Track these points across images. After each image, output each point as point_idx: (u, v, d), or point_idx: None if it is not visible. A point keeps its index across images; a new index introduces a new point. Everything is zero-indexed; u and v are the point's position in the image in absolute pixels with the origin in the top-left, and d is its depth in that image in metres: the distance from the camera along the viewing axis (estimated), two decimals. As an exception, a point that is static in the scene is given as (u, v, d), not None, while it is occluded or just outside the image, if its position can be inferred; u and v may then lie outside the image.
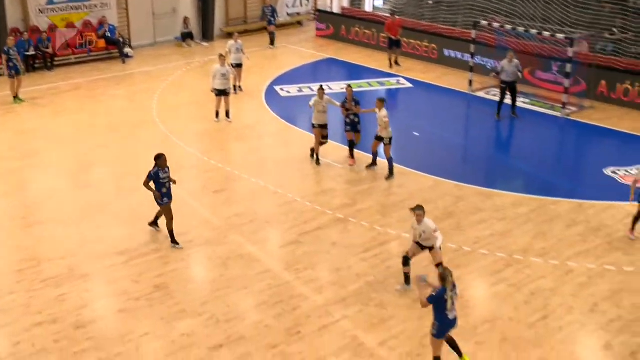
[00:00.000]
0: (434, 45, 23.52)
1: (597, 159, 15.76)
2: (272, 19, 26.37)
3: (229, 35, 27.17)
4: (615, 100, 19.22)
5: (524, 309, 10.22)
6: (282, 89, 21.06)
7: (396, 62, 23.00)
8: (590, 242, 12.07)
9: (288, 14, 29.53)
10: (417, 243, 10.57)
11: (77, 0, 24.21)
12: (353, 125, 15.27)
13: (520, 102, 19.23)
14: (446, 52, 23.14)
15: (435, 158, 15.69)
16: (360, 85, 21.19)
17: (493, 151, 16.82)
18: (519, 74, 18.06)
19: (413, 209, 10.31)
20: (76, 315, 10.15)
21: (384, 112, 14.34)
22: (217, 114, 18.06)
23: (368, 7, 29.26)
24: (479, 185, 14.27)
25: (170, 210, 11.85)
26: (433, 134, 17.15)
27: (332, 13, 28.65)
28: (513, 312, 10.17)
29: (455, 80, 21.62)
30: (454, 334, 8.90)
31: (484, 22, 20.45)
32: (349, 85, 15.45)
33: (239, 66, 20.19)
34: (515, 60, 17.94)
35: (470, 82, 20.44)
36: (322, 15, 27.94)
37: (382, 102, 14.32)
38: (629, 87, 19.01)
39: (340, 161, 15.62)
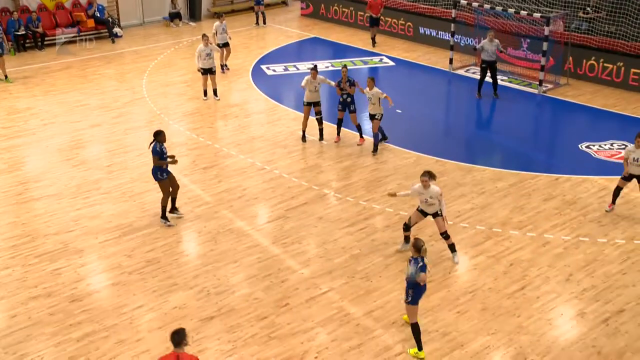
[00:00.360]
0: (409, 24, 23.35)
1: (572, 134, 15.79)
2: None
3: (216, 15, 26.86)
4: (588, 77, 19.25)
5: (503, 280, 10.28)
6: (268, 68, 20.86)
7: (373, 40, 22.82)
8: (565, 215, 12.13)
9: (273, -6, 29.17)
10: (420, 211, 10.65)
11: (66, -19, 23.76)
12: (345, 105, 15.11)
13: (499, 80, 19.18)
14: (421, 30, 23.00)
15: (417, 134, 15.67)
16: (345, 64, 20.97)
17: (473, 128, 16.80)
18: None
19: (422, 175, 10.29)
20: (71, 289, 10.09)
21: (375, 89, 14.25)
22: (205, 93, 17.91)
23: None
24: (459, 160, 14.27)
25: (168, 185, 11.74)
26: (415, 111, 17.10)
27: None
28: (492, 282, 10.23)
29: (436, 59, 21.52)
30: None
31: (464, 2, 20.28)
32: (345, 66, 15.18)
33: (225, 45, 20.00)
34: (496, 40, 17.84)
35: (451, 61, 20.35)
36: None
37: (372, 80, 14.24)
38: (601, 64, 19.03)
39: (326, 138, 15.54)
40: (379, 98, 14.28)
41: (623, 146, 14.66)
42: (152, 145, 11.48)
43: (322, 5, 26.41)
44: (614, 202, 12.27)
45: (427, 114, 17.01)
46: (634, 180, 12.08)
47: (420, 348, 8.71)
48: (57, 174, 13.86)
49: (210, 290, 10.03)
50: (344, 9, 25.63)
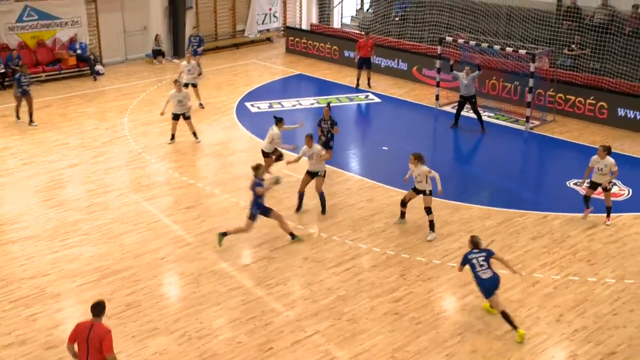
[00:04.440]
0: (400, 59, 23.65)
1: (560, 171, 15.95)
2: (198, 49, 23.47)
3: (201, 53, 27.13)
4: (575, 114, 19.53)
5: (492, 321, 10.24)
6: (252, 105, 20.99)
7: (368, 83, 22.63)
8: (554, 254, 12.18)
9: (259, 31, 29.49)
10: (414, 189, 12.81)
11: (47, 18, 23.92)
12: (325, 143, 15.19)
13: (485, 117, 19.41)
14: (404, 66, 23.28)
15: (403, 172, 15.70)
16: (330, 101, 21.17)
17: (460, 165, 16.94)
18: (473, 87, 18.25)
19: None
20: (46, 335, 9.93)
21: (315, 146, 13.58)
22: (172, 137, 17.58)
23: (336, 24, 29.40)
24: (446, 198, 14.31)
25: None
26: (401, 148, 17.19)
27: (300, 29, 28.71)
28: (482, 323, 10.19)
29: (422, 95, 21.77)
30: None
31: (449, 38, 20.64)
32: (329, 104, 15.31)
33: (194, 85, 20.16)
34: (472, 74, 18.11)
35: (437, 97, 20.60)
36: (290, 32, 27.99)
37: (311, 137, 13.44)
38: (587, 101, 19.32)
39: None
40: (320, 155, 13.63)
41: (611, 184, 14.78)
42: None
43: (311, 43, 26.67)
44: (587, 206, 13.35)
45: (414, 151, 17.09)
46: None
47: (515, 327, 9.74)
48: (35, 216, 13.75)
49: (192, 335, 9.91)
50: (334, 47, 25.88)
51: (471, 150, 17.77)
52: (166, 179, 15.59)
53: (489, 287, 9.88)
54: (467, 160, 17.37)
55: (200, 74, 20.55)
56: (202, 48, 24.04)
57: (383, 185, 15.13)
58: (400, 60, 23.82)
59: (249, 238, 12.74)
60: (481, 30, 22.92)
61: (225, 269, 11.72)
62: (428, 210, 12.74)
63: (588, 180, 13.56)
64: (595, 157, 13.19)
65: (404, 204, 13.14)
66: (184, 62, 20.12)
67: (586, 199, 13.46)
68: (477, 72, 18.21)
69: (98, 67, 24.38)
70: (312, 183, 13.69)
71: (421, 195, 12.78)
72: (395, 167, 16.03)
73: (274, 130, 14.79)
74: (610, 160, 13.05)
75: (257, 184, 12.08)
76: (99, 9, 25.06)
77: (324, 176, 13.71)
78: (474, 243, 10.18)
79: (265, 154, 15.02)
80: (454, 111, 19.09)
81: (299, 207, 13.80)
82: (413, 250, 12.38)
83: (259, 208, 12.24)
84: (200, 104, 20.35)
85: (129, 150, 17.14)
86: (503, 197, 14.59)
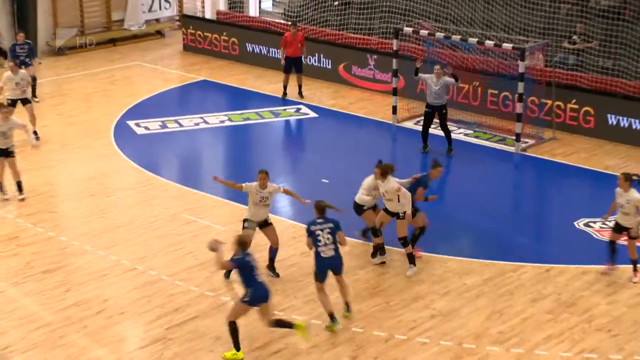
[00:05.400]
0: (330, 60, 23.91)
1: (565, 208, 16.26)
2: (28, 60, 22.07)
3: (60, 52, 26.86)
4: (582, 128, 19.97)
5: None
6: (138, 125, 20.81)
7: (299, 92, 22.82)
8: (563, 321, 12.33)
9: (145, 21, 29.37)
10: (385, 209, 13.56)
11: None
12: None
13: (462, 135, 19.74)
14: (353, 70, 23.61)
15: (351, 213, 15.70)
16: (247, 117, 21.21)
17: (431, 202, 17.09)
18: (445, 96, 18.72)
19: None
20: None
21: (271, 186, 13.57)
22: (1, 186, 16.82)
23: (253, 11, 29.59)
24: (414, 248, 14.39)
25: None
26: (347, 181, 17.16)
27: (203, 19, 28.76)
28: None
29: (373, 107, 22.01)
30: None
31: (408, 29, 20.96)
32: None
33: (24, 102, 19.33)
34: (446, 78, 18.43)
35: (394, 109, 20.83)
36: (189, 22, 27.95)
37: (266, 173, 13.39)
38: (598, 111, 19.78)
39: (223, 222, 15.45)
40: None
41: None
42: None
43: (216, 37, 26.73)
44: (612, 260, 13.48)
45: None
46: None
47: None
48: None
49: None
50: (250, 43, 25.97)
51: (445, 181, 17.96)
52: (12, 231, 15.24)
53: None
54: (441, 195, 17.45)
55: (33, 83, 19.66)
56: (35, 59, 22.52)
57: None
58: (321, 55, 23.93)
59: (137, 312, 12.51)
60: (452, 18, 23.44)
61: (102, 358, 11.43)
62: (404, 242, 13.55)
63: (612, 219, 13.74)
64: (618, 188, 13.39)
65: (375, 232, 13.91)
66: (8, 73, 19.34)
67: (612, 247, 13.53)
68: (454, 80, 18.53)
69: None
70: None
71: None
72: (339, 206, 15.95)
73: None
74: (635, 194, 13.17)
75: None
76: None
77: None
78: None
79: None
80: (418, 127, 19.35)
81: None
82: (368, 321, 12.33)
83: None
84: (35, 134, 19.00)
85: (-41, 192, 16.68)
86: (490, 245, 14.73)
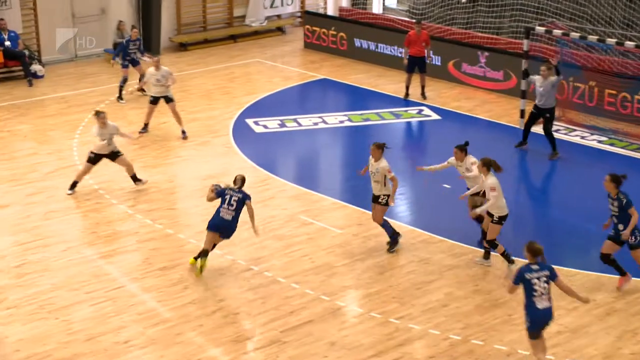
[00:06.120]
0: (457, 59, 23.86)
1: None
2: (136, 57, 22.84)
3: (182, 47, 27.63)
4: None
5: None
6: (257, 123, 21.22)
7: (422, 93, 22.90)
8: None
9: (266, 18, 29.90)
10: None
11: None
12: None
13: (595, 142, 19.45)
14: (471, 70, 23.55)
15: (471, 222, 15.71)
16: (367, 118, 21.41)
17: (556, 213, 16.95)
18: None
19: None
20: None
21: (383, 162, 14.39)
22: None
23: (377, 8, 29.76)
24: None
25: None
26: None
27: (325, 16, 29.11)
28: None
29: (500, 110, 21.88)
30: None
31: (540, 29, 20.77)
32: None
33: (167, 100, 19.86)
34: (552, 78, 18.28)
35: (522, 113, 20.66)
36: (311, 19, 28.30)
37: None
38: None
39: (340, 225, 15.70)
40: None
41: None
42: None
43: (341, 35, 27.01)
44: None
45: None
46: None
47: None
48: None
49: None
50: (373, 42, 26.20)
51: (574, 191, 17.73)
52: (133, 227, 15.74)
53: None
54: (570, 205, 17.21)
55: (172, 82, 20.31)
56: (147, 55, 23.04)
57: (445, 239, 15.16)
58: (431, 52, 23.78)
59: (250, 314, 12.84)
60: (587, 16, 23.07)
61: (218, 358, 11.76)
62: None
63: None
64: None
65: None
66: (151, 69, 20.15)
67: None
68: (557, 77, 18.38)
69: (35, 68, 24.77)
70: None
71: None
72: (463, 214, 16.03)
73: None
74: None
75: None
76: (38, -16, 25.48)
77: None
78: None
79: None
80: (544, 133, 19.20)
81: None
82: (489, 334, 12.36)
83: None
84: (183, 132, 20.19)
85: (81, 186, 17.39)
86: (622, 260, 14.47)
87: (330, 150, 20.44)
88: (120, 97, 22.64)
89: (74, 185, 17.11)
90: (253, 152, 19.36)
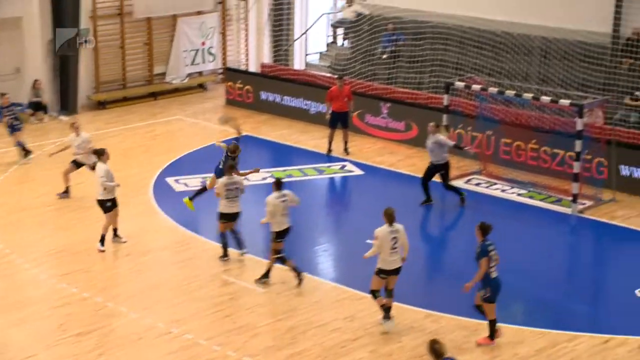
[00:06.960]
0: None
1: (625, 275, 16.10)
2: (15, 124, 22.59)
3: (101, 105, 27.38)
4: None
5: None
6: (177, 181, 21.08)
7: (345, 149, 22.99)
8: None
9: (187, 75, 29.85)
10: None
11: None
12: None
13: (515, 195, 19.71)
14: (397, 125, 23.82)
15: (400, 278, 15.74)
16: (290, 174, 21.39)
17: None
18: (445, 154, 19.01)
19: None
20: None
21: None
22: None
23: (299, 64, 29.96)
24: (460, 314, 14.31)
25: None
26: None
27: (247, 72, 29.20)
28: None
29: (422, 165, 22.03)
30: None
31: (459, 84, 21.10)
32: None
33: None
34: (437, 136, 18.80)
35: (444, 167, 20.88)
36: (232, 75, 28.34)
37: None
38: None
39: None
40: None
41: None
42: None
43: (263, 92, 27.07)
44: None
45: (411, 244, 17.21)
46: None
47: None
48: None
49: None
50: (295, 98, 26.25)
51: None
52: (46, 292, 15.43)
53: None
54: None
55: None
56: (19, 123, 22.67)
57: (367, 295, 15.10)
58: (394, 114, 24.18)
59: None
60: (505, 72, 23.54)
61: None
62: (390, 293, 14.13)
63: None
64: None
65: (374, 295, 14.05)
66: (73, 135, 19.93)
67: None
68: (443, 137, 18.90)
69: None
70: None
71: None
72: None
73: None
74: None
75: None
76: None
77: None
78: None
79: None
80: (469, 186, 19.43)
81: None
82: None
83: None
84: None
85: (-8, 249, 17.05)
86: (543, 313, 14.62)
87: (253, 208, 20.29)
88: (26, 152, 22.41)
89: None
90: (174, 211, 19.18)
